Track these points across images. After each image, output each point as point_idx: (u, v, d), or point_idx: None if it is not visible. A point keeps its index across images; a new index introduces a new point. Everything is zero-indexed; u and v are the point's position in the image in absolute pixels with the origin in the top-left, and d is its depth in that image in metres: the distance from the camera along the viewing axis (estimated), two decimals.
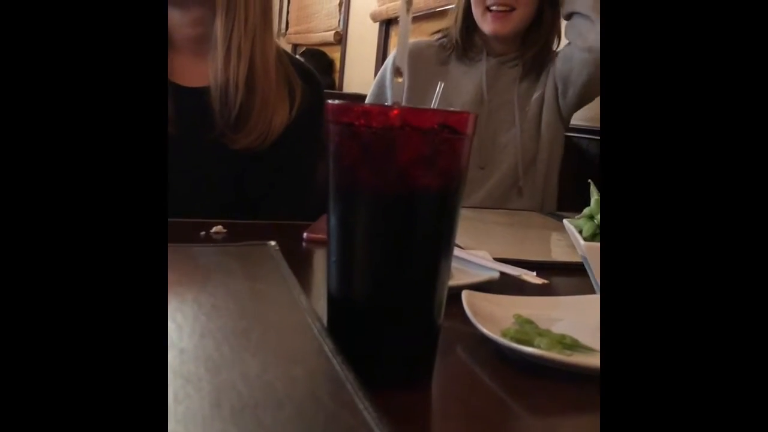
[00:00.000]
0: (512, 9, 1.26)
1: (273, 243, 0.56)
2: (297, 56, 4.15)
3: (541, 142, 1.34)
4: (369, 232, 0.41)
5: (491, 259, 0.73)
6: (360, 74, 3.47)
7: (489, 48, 1.34)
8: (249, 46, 1.00)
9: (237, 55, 1.00)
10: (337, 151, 0.41)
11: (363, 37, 3.46)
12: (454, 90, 1.34)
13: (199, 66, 1.05)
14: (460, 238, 0.85)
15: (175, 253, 0.53)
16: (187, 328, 0.36)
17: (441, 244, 0.42)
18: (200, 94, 1.02)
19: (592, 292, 0.67)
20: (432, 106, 0.84)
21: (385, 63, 1.45)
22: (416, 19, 2.62)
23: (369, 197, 0.40)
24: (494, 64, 1.34)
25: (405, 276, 0.41)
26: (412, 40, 1.48)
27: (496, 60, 1.34)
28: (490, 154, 1.31)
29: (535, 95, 1.34)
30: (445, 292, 0.43)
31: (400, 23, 0.36)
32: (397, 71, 0.37)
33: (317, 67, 3.94)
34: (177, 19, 1.04)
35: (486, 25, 1.28)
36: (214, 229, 0.84)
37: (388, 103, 1.34)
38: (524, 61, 1.34)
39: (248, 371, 0.31)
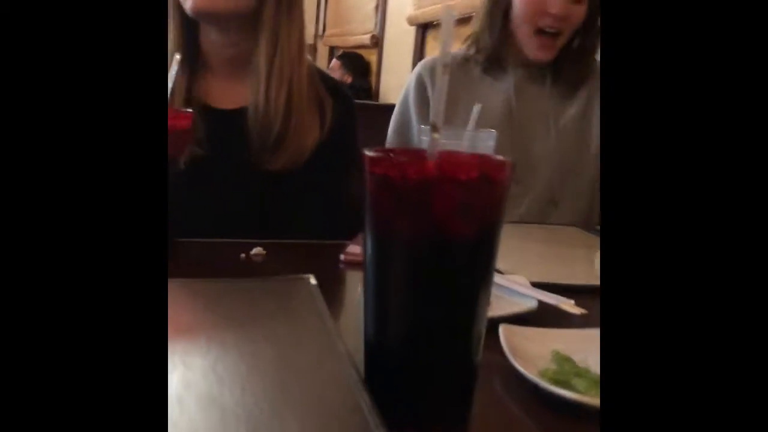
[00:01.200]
0: (559, 33, 1.22)
1: (311, 277, 0.57)
2: (334, 59, 4.16)
3: (583, 155, 1.31)
4: (405, 282, 0.41)
5: (529, 284, 0.73)
6: (396, 77, 3.47)
7: (517, 60, 1.29)
8: (289, 70, 1.01)
9: (279, 78, 1.01)
10: (373, 202, 0.41)
11: (399, 41, 3.47)
12: (482, 104, 1.32)
13: (234, 88, 1.06)
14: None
15: (215, 289, 0.54)
16: (227, 381, 0.37)
17: (478, 291, 0.42)
18: (235, 116, 1.04)
19: None
20: (468, 129, 0.85)
21: (408, 81, 1.38)
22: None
23: (405, 247, 0.40)
24: (522, 75, 1.30)
25: (442, 326, 0.41)
26: (432, 55, 1.45)
27: (523, 71, 1.30)
28: (525, 167, 1.29)
29: (574, 108, 1.31)
30: (483, 334, 0.43)
31: (437, 82, 0.37)
32: (433, 127, 0.37)
33: (354, 69, 3.97)
34: (216, 41, 1.05)
35: (531, 49, 1.24)
36: (253, 251, 0.85)
37: (413, 120, 1.34)
38: (554, 71, 1.31)
39: None
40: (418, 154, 0.42)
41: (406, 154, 0.42)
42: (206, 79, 1.07)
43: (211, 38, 1.05)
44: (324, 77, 1.13)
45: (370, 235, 0.41)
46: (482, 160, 0.43)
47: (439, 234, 0.40)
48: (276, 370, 0.39)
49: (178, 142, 0.80)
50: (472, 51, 1.33)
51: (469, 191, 0.39)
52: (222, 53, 1.06)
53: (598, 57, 1.34)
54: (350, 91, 1.22)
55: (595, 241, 1.07)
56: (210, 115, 1.04)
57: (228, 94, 1.06)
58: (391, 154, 0.42)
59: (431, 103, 0.36)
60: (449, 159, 0.41)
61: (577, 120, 1.31)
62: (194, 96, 1.04)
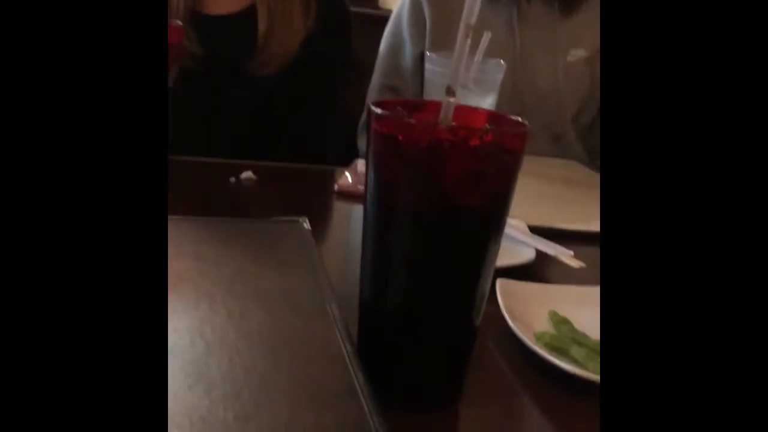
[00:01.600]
0: None
1: (305, 221, 0.54)
2: None
3: (588, 96, 1.27)
4: (407, 249, 0.38)
5: (528, 230, 0.71)
6: None
7: None
8: None
9: None
10: (377, 163, 0.38)
11: None
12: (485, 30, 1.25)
13: None
14: None
15: (206, 229, 0.52)
16: (215, 350, 0.35)
17: (483, 259, 0.39)
18: (227, 21, 1.01)
19: None
20: (476, 60, 0.80)
21: (401, 1, 1.30)
22: None
23: (409, 214, 0.38)
24: (525, 5, 1.24)
25: (443, 294, 0.39)
26: None
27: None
28: (529, 102, 1.25)
29: (582, 51, 1.25)
30: (485, 299, 0.41)
31: (458, 43, 0.33)
32: (448, 90, 0.34)
33: None
34: None
35: None
36: (244, 175, 0.82)
37: (407, 43, 1.27)
38: (559, 2, 1.24)
39: (277, 421, 0.30)
40: (427, 113, 0.39)
41: (416, 113, 0.39)
42: None
43: None
44: None
45: (371, 198, 0.39)
46: (497, 125, 0.39)
47: (448, 202, 0.37)
48: (266, 337, 0.37)
49: (168, 58, 0.76)
50: None
51: (482, 160, 0.36)
52: None
53: None
54: None
55: (596, 179, 1.05)
56: (201, 21, 1.00)
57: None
58: (400, 110, 0.39)
59: (450, 63, 0.32)
60: (460, 121, 0.37)
61: (583, 63, 1.26)
62: (184, 2, 0.99)
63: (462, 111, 0.41)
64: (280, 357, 0.36)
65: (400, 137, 0.36)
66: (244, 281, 0.43)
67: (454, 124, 0.37)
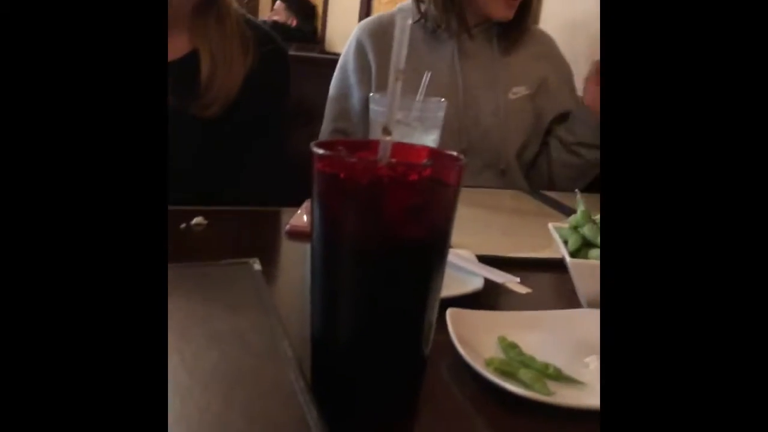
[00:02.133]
0: None
1: (255, 262, 0.55)
2: (278, 1, 4.02)
3: (531, 132, 1.32)
4: (354, 283, 0.40)
5: (475, 260, 0.73)
6: (343, 21, 3.39)
7: (461, 25, 1.27)
8: (215, 16, 1.03)
9: (204, 26, 1.03)
10: (321, 201, 0.39)
11: None
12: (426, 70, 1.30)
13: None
14: None
15: None
16: (169, 390, 0.36)
17: (429, 290, 0.41)
18: (169, 68, 1.02)
19: (575, 295, 0.67)
20: (418, 98, 0.83)
21: (347, 45, 1.35)
22: None
23: (354, 249, 0.39)
24: (466, 39, 1.29)
25: (391, 326, 0.40)
26: (374, 16, 1.43)
27: (467, 36, 1.29)
28: (474, 139, 1.29)
29: (523, 89, 1.31)
30: (433, 329, 0.43)
31: (389, 87, 0.35)
32: (384, 129, 0.36)
33: (299, 12, 3.84)
34: None
35: (498, 11, 1.24)
36: (194, 221, 0.82)
37: (354, 88, 1.31)
38: (501, 31, 1.30)
39: None
40: (368, 151, 0.41)
41: (356, 151, 0.41)
42: None
43: None
44: (252, 24, 1.11)
45: (317, 236, 0.40)
46: (434, 159, 0.41)
47: (390, 236, 0.38)
48: (219, 378, 0.38)
49: None
50: (414, 17, 1.30)
51: (421, 193, 0.38)
52: (181, 9, 1.03)
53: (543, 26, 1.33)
54: (290, 33, 1.22)
55: (543, 208, 1.08)
56: None
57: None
58: (341, 150, 0.40)
59: (387, 113, 0.34)
60: (399, 158, 0.39)
61: (525, 100, 1.31)
62: None
63: (402, 148, 0.43)
64: (233, 396, 0.36)
65: (341, 175, 0.38)
66: (196, 325, 0.44)
67: (393, 160, 0.39)
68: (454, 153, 0.42)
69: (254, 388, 0.37)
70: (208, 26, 1.04)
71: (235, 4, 1.08)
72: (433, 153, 0.43)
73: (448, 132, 1.17)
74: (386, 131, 0.35)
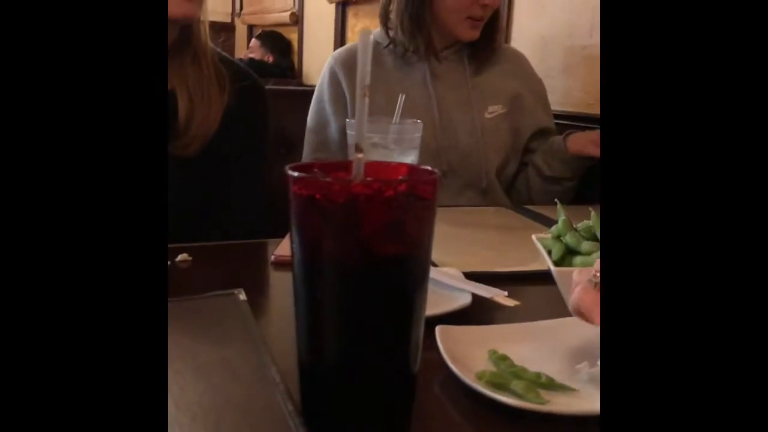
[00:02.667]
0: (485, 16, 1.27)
1: (240, 292, 0.55)
2: (253, 38, 4.05)
3: (512, 148, 1.34)
4: (337, 303, 0.40)
5: (462, 277, 0.73)
6: (319, 55, 3.42)
7: (430, 47, 1.30)
8: (190, 56, 1.03)
9: (180, 66, 1.03)
10: (299, 223, 0.39)
11: (319, 18, 3.41)
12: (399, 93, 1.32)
13: None
14: None
15: None
16: None
17: (413, 305, 0.41)
18: None
19: (563, 304, 0.67)
20: (394, 121, 0.84)
21: (321, 76, 1.37)
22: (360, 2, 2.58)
23: (335, 269, 0.39)
24: (435, 62, 1.31)
25: (377, 344, 0.40)
26: (346, 45, 1.45)
27: (435, 59, 1.31)
28: (454, 161, 1.30)
29: (498, 108, 1.33)
30: (420, 345, 0.43)
31: (357, 105, 0.35)
32: (357, 148, 0.36)
33: (274, 48, 3.87)
34: None
35: (463, 32, 1.26)
36: (179, 258, 0.82)
37: (330, 118, 1.32)
38: (471, 51, 1.32)
39: None
40: (343, 172, 0.41)
41: (331, 172, 0.41)
42: None
43: None
44: (227, 62, 1.11)
45: (298, 259, 0.40)
46: (409, 175, 0.41)
47: (368, 253, 0.38)
48: (207, 408, 0.37)
49: None
50: (384, 42, 1.32)
51: (397, 209, 0.38)
52: None
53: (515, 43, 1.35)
54: (268, 69, 1.24)
55: (527, 222, 1.09)
56: None
57: None
58: (316, 172, 0.41)
59: (356, 128, 0.34)
60: (375, 175, 0.39)
61: (501, 119, 1.33)
62: None
63: (378, 166, 0.43)
64: (222, 424, 0.36)
65: (317, 196, 0.38)
66: (181, 358, 0.43)
67: (369, 178, 0.39)
68: (429, 168, 0.42)
69: (243, 415, 0.37)
70: (184, 66, 1.04)
71: (210, 44, 1.09)
72: (408, 169, 0.43)
73: (426, 154, 1.18)
74: (358, 149, 0.36)
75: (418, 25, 1.26)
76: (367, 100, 0.35)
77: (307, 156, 1.36)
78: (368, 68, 0.34)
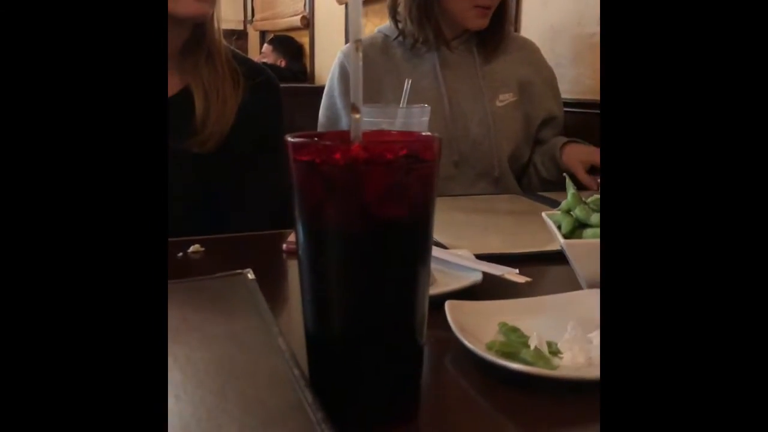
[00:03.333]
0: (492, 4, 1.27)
1: (249, 272, 0.55)
2: (266, 43, 4.08)
3: (524, 137, 1.33)
4: (341, 270, 0.39)
5: (473, 257, 0.73)
6: (330, 58, 3.43)
7: (439, 37, 1.30)
8: (204, 53, 1.04)
9: (194, 63, 1.04)
10: (301, 190, 0.39)
11: (330, 21, 3.42)
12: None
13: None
14: (439, 234, 0.85)
15: None
16: None
17: (417, 272, 0.41)
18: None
19: (576, 281, 0.67)
20: (401, 105, 0.83)
21: (331, 71, 1.37)
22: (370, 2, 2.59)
23: (338, 235, 0.39)
24: (445, 52, 1.31)
25: (382, 311, 0.40)
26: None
27: (445, 48, 1.31)
28: (465, 150, 1.29)
29: (508, 96, 1.32)
30: (426, 314, 0.42)
31: (350, 60, 0.35)
32: (353, 108, 0.36)
33: (287, 52, 3.90)
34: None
35: (471, 21, 1.26)
36: (191, 249, 0.83)
37: (341, 111, 1.33)
38: (480, 39, 1.32)
39: None
40: (343, 137, 0.41)
41: (330, 138, 0.41)
42: None
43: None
44: (241, 59, 1.12)
45: (300, 225, 0.40)
46: (409, 138, 0.41)
47: (371, 217, 0.38)
48: (213, 375, 0.37)
49: None
50: (393, 34, 1.32)
51: (397, 171, 0.38)
52: (169, 48, 1.05)
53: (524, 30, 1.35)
54: (280, 73, 1.23)
55: (537, 207, 1.08)
56: None
57: None
58: (315, 139, 0.41)
59: (351, 82, 0.35)
60: (375, 139, 0.39)
61: (512, 107, 1.32)
62: None
63: (373, 135, 0.43)
64: (228, 389, 0.36)
65: (318, 161, 0.38)
66: (188, 331, 0.44)
67: (370, 141, 0.39)
68: (428, 133, 0.42)
69: (249, 381, 0.37)
70: (199, 63, 1.05)
71: (223, 42, 1.10)
72: (405, 135, 0.43)
73: None
74: (354, 109, 0.36)
75: (426, 15, 1.26)
76: (360, 54, 0.35)
77: None
78: (360, 20, 0.34)
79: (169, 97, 1.06)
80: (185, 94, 1.05)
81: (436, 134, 0.40)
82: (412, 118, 0.82)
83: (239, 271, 0.55)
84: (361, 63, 0.35)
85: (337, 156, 0.37)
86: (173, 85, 1.06)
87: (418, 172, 0.39)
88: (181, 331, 0.43)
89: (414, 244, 0.40)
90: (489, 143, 1.30)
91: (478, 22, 1.27)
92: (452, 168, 1.28)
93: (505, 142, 1.31)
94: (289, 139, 0.39)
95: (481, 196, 1.21)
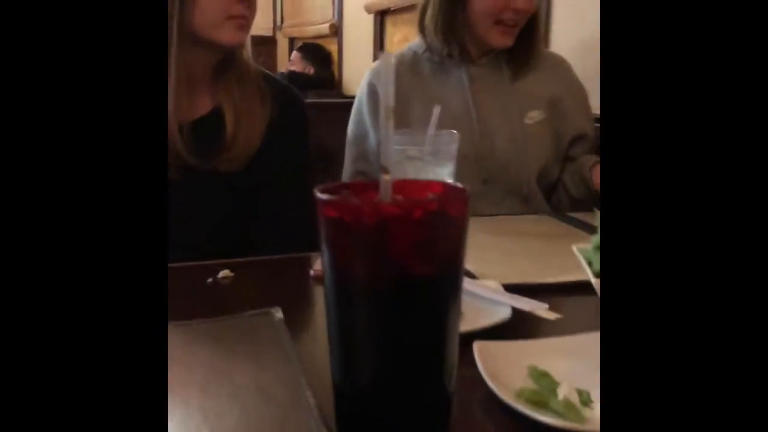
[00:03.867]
0: (518, 22, 1.25)
1: (278, 311, 0.55)
2: (294, 51, 4.10)
3: (553, 155, 1.32)
4: (369, 325, 0.39)
5: (502, 289, 0.72)
6: (358, 65, 3.44)
7: (468, 55, 1.29)
8: (235, 74, 1.06)
9: (225, 84, 1.05)
10: (330, 245, 0.39)
11: (358, 29, 3.43)
12: (437, 102, 1.31)
13: (191, 100, 1.06)
14: (467, 260, 0.84)
15: (177, 334, 0.52)
16: None
17: (446, 324, 0.40)
18: (198, 125, 1.04)
19: None
20: (429, 132, 0.83)
21: (360, 90, 1.37)
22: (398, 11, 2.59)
23: (366, 292, 0.39)
24: (474, 69, 1.30)
25: (411, 366, 0.40)
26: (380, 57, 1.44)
27: (474, 64, 1.30)
28: (492, 169, 1.28)
29: (537, 113, 1.31)
30: (455, 363, 0.42)
31: (381, 126, 0.35)
32: (383, 169, 0.36)
33: (315, 60, 3.91)
34: (199, 61, 1.05)
35: (495, 39, 1.25)
36: (221, 274, 0.83)
37: (369, 130, 1.32)
38: (509, 56, 1.31)
39: None
40: (371, 192, 0.41)
41: (359, 193, 0.41)
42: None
43: (192, 58, 1.03)
44: (268, 78, 1.13)
45: (329, 281, 0.40)
46: (438, 194, 0.41)
47: (401, 275, 0.38)
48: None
49: None
50: (421, 50, 1.32)
51: (426, 229, 0.38)
52: (202, 70, 1.06)
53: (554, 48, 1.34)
54: (309, 80, 1.25)
55: (569, 229, 1.07)
56: (185, 129, 1.04)
57: (186, 106, 1.06)
58: (345, 193, 0.40)
59: (381, 149, 0.35)
60: (403, 195, 0.39)
61: (542, 125, 1.31)
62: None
63: (407, 185, 0.43)
64: None
65: (346, 219, 0.38)
66: (218, 381, 0.44)
67: (398, 197, 0.39)
68: (459, 185, 0.41)
69: None
70: (230, 85, 1.07)
71: (252, 63, 1.11)
72: (438, 187, 0.43)
73: (465, 163, 1.17)
74: (384, 170, 0.35)
75: (450, 29, 1.25)
76: (391, 122, 0.34)
77: (348, 166, 1.37)
78: (391, 89, 0.34)
79: (200, 118, 1.07)
80: (216, 113, 1.06)
81: (467, 189, 0.40)
82: (441, 145, 0.81)
83: (266, 309, 0.55)
84: (391, 130, 0.35)
85: (366, 214, 0.37)
86: (204, 106, 1.07)
87: (447, 228, 0.39)
88: (210, 381, 0.43)
89: (443, 299, 0.40)
90: (517, 161, 1.28)
91: (502, 40, 1.25)
92: (480, 185, 1.27)
93: (534, 160, 1.30)
94: (318, 195, 0.39)
95: (508, 217, 1.20)
